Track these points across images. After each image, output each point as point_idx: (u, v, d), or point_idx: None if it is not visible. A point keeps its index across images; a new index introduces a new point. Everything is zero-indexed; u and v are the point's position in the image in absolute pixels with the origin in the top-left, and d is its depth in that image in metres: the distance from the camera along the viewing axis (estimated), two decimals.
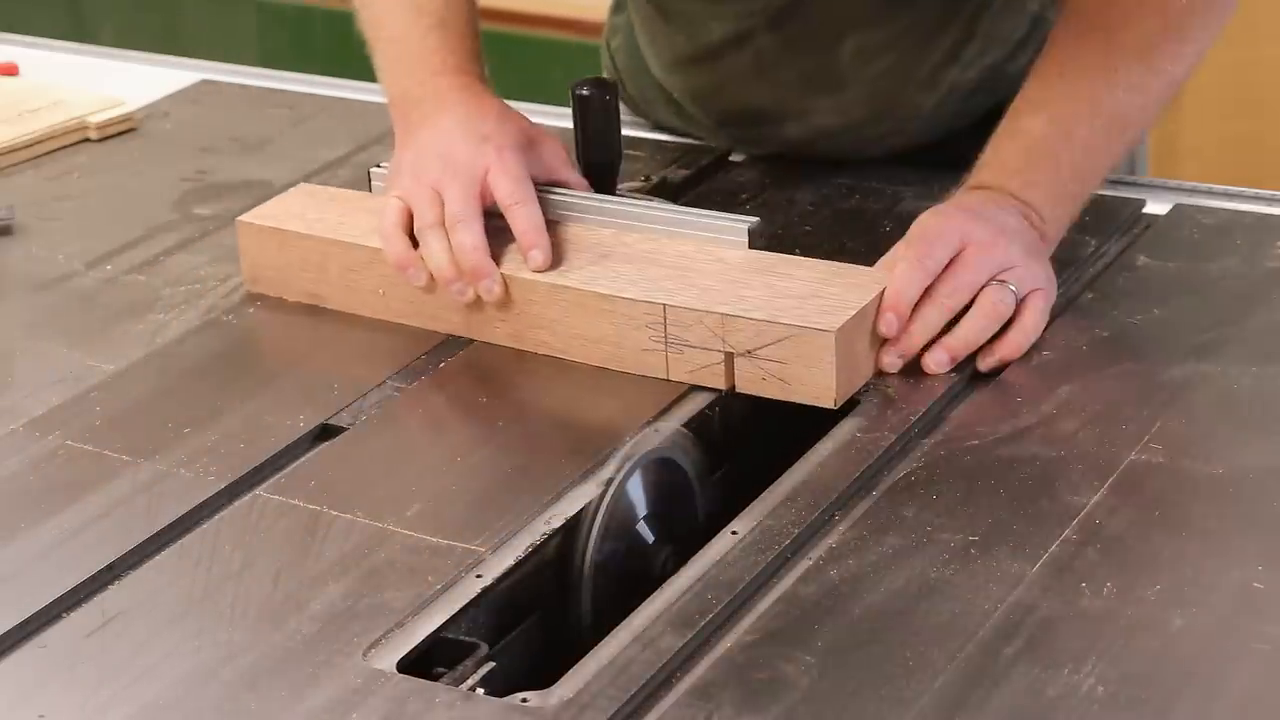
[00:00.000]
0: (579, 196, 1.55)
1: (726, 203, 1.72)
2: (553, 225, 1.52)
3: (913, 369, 1.44)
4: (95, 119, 1.97)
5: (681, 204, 1.63)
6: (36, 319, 1.63)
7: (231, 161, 1.90)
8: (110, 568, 1.27)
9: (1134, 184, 1.74)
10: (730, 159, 1.81)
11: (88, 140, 1.97)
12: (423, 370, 1.49)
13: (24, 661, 1.20)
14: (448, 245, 1.49)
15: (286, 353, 1.57)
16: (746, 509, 1.30)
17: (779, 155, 1.78)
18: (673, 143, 1.81)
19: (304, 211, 1.61)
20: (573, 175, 1.58)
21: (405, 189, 1.53)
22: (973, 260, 1.45)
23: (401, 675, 1.16)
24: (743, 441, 1.44)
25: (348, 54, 3.32)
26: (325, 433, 1.42)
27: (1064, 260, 1.58)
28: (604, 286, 1.46)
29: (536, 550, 1.28)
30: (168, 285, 1.66)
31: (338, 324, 1.57)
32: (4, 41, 2.26)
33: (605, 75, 1.94)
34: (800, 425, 1.40)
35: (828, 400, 1.39)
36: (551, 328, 1.48)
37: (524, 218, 1.49)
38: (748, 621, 1.20)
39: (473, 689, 1.16)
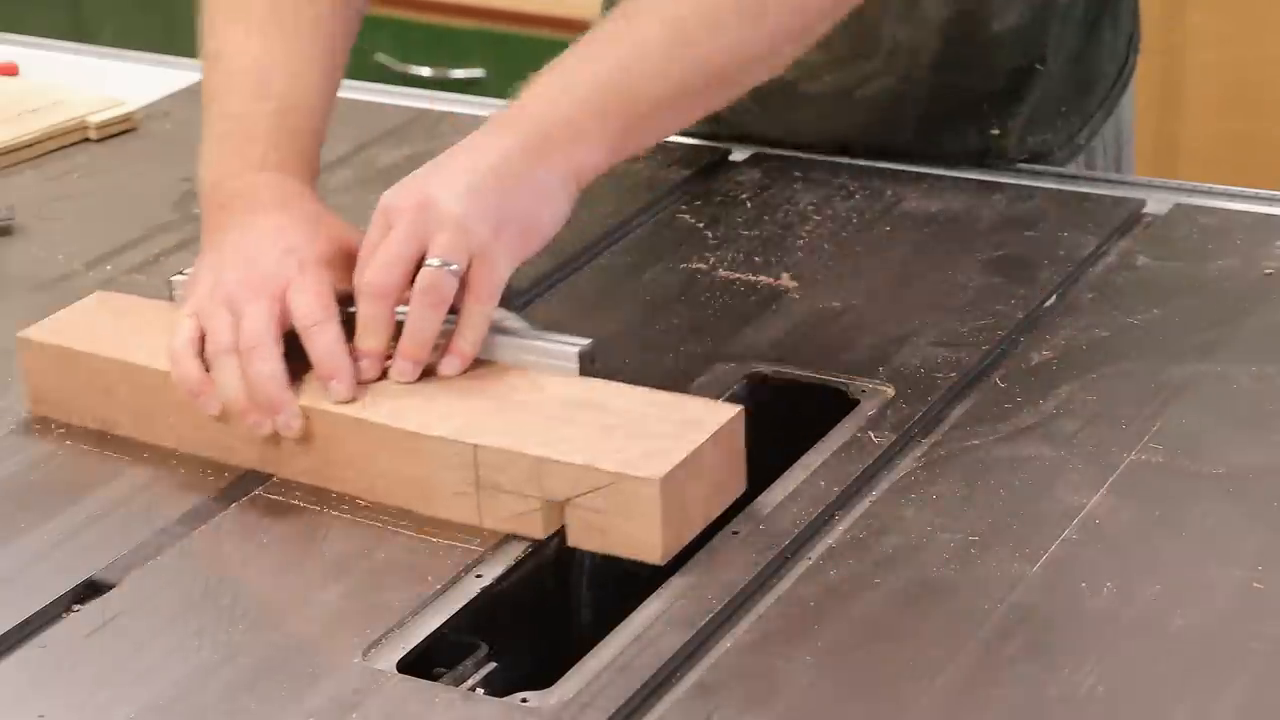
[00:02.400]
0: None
1: (726, 203, 1.72)
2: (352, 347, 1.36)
3: (913, 370, 1.44)
4: (95, 119, 1.97)
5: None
6: (36, 319, 1.62)
7: None
8: (110, 568, 1.27)
9: (1134, 184, 1.74)
10: (730, 159, 1.81)
11: (88, 140, 1.97)
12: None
13: (24, 661, 1.20)
14: (240, 374, 1.33)
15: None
16: (746, 509, 1.30)
17: (778, 149, 1.78)
18: (673, 143, 1.81)
19: (95, 325, 1.46)
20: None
21: (199, 306, 1.37)
22: (391, 239, 1.33)
23: (401, 675, 1.16)
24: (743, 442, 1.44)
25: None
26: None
27: (1064, 260, 1.58)
28: (412, 422, 1.31)
29: (536, 550, 1.27)
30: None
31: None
32: (4, 41, 2.26)
33: None
34: (800, 425, 1.40)
35: (654, 556, 1.24)
36: (356, 465, 1.32)
37: (321, 343, 1.33)
38: (748, 621, 1.20)
39: (473, 689, 1.16)
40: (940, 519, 1.28)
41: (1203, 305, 1.52)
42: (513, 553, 1.27)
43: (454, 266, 1.32)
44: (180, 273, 1.47)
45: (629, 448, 1.25)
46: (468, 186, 1.34)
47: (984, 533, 1.26)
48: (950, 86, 1.74)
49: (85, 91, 2.03)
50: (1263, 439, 1.35)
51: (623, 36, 1.41)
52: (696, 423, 1.28)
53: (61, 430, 1.43)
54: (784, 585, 1.23)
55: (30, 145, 1.94)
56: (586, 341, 1.35)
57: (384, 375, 1.34)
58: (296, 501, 1.33)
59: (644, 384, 1.36)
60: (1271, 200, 1.69)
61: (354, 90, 2.07)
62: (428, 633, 1.20)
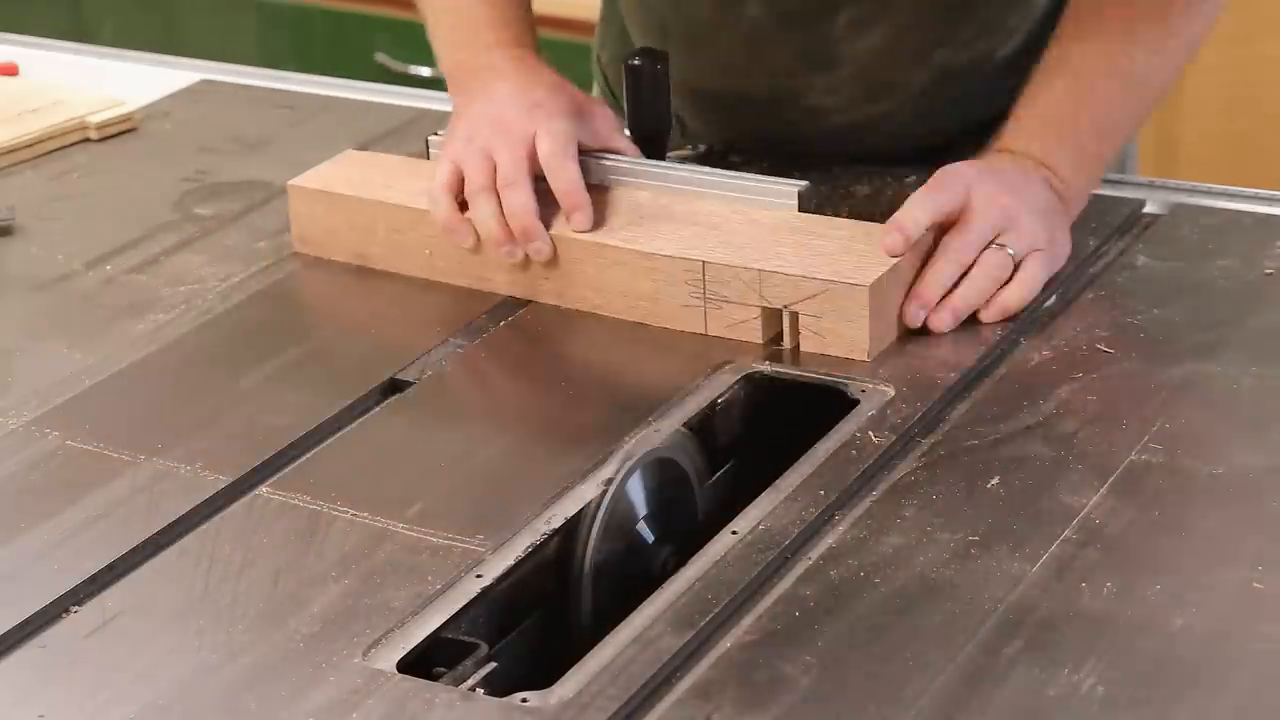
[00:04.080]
0: (628, 161, 1.62)
1: None
2: (596, 189, 1.58)
3: (913, 370, 1.44)
4: (95, 119, 1.97)
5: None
6: (36, 319, 1.63)
7: (231, 161, 1.90)
8: (110, 568, 1.27)
9: (1134, 184, 1.74)
10: (730, 158, 1.80)
11: (88, 140, 1.97)
12: (483, 329, 1.55)
13: (24, 661, 1.20)
14: (498, 208, 1.55)
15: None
16: (746, 509, 1.30)
17: (774, 152, 1.78)
18: (673, 155, 1.80)
19: (352, 175, 1.68)
20: (624, 143, 1.64)
21: (457, 152, 1.59)
22: (977, 211, 1.51)
23: (401, 675, 1.16)
24: (743, 441, 1.44)
25: (348, 54, 3.33)
26: (394, 388, 1.47)
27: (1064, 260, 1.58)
28: (644, 245, 1.52)
29: (536, 550, 1.28)
30: (168, 285, 1.65)
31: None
32: (4, 41, 2.26)
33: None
34: (800, 425, 1.40)
35: (860, 354, 1.44)
36: (593, 285, 1.54)
37: (565, 179, 1.55)
38: (748, 621, 1.20)
39: (473, 689, 1.16)
40: (940, 519, 1.28)
41: (1203, 305, 1.52)
42: (513, 553, 1.27)
43: (1012, 253, 1.51)
44: (436, 133, 1.67)
45: (839, 262, 1.47)
46: (1035, 209, 1.55)
47: (984, 533, 1.26)
48: (956, 113, 1.75)
49: (85, 91, 2.04)
50: (1263, 439, 1.35)
51: (1095, 100, 1.59)
52: None
53: (48, 431, 1.43)
54: (784, 585, 1.23)
55: (30, 145, 1.94)
56: (804, 183, 1.57)
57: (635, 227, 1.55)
58: (297, 501, 1.33)
59: (643, 383, 1.36)
60: (1271, 200, 1.69)
61: (354, 90, 2.07)
62: (428, 633, 1.20)
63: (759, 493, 1.32)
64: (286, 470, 1.37)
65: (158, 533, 1.31)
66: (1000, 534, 1.26)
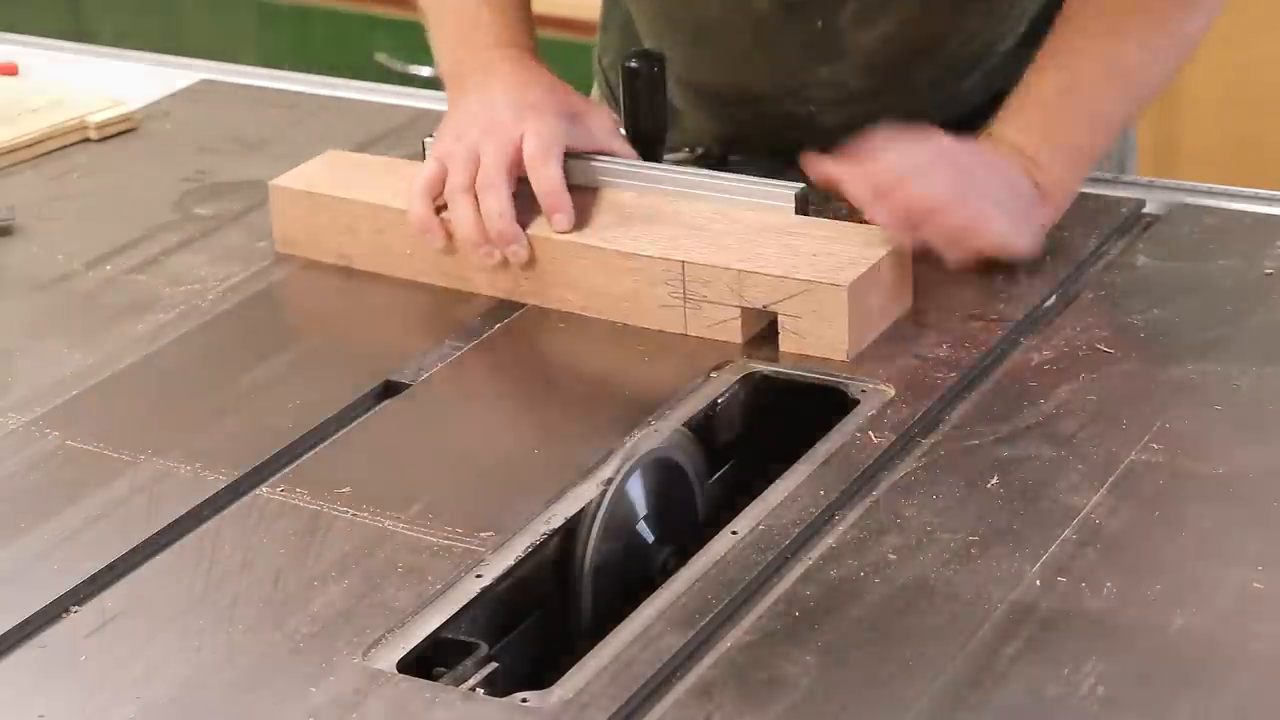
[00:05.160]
0: (621, 164, 1.62)
1: None
2: (584, 190, 1.58)
3: (913, 370, 1.44)
4: (95, 119, 1.97)
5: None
6: (36, 319, 1.63)
7: (231, 161, 1.90)
8: (110, 568, 1.27)
9: (1134, 184, 1.74)
10: (730, 158, 1.80)
11: (88, 140, 1.97)
12: (479, 331, 1.55)
13: (24, 661, 1.20)
14: (475, 210, 1.55)
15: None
16: (746, 509, 1.30)
17: (774, 152, 1.78)
18: (671, 158, 1.80)
19: (334, 175, 1.69)
20: (620, 145, 1.64)
21: (444, 150, 1.59)
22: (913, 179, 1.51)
23: (401, 675, 1.17)
24: (743, 441, 1.44)
25: (348, 54, 3.32)
26: (391, 389, 1.47)
27: (1064, 260, 1.58)
28: (624, 244, 1.52)
29: (536, 550, 1.28)
30: (168, 285, 1.65)
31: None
32: (4, 41, 2.26)
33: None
34: (800, 425, 1.40)
35: (840, 354, 1.45)
36: (574, 285, 1.54)
37: (545, 180, 1.55)
38: (748, 621, 1.20)
39: (473, 689, 1.16)
40: (940, 519, 1.28)
41: (1203, 305, 1.52)
42: (513, 553, 1.27)
43: None
44: (431, 135, 1.66)
45: (819, 262, 1.47)
46: (992, 192, 1.55)
47: (984, 533, 1.26)
48: (958, 106, 1.75)
49: (85, 91, 2.03)
50: (1263, 439, 1.35)
51: (1095, 90, 1.58)
52: (874, 242, 1.49)
53: (48, 431, 1.43)
54: (784, 585, 1.23)
55: (30, 145, 1.94)
56: (801, 185, 1.56)
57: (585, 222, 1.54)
58: (297, 501, 1.33)
59: (643, 381, 1.36)
60: (1271, 200, 1.69)
61: (354, 90, 2.07)
62: (428, 633, 1.20)
63: (759, 493, 1.32)
64: (286, 470, 1.37)
65: (158, 533, 1.31)
66: (1000, 534, 1.26)
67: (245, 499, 1.34)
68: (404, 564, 1.26)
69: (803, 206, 1.56)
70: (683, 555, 1.27)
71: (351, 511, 1.32)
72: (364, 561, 1.27)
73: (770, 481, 1.33)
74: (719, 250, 1.50)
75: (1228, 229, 1.64)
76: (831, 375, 1.44)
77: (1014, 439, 1.36)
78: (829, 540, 1.27)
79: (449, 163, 1.58)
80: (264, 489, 1.35)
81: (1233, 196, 1.70)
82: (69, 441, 1.42)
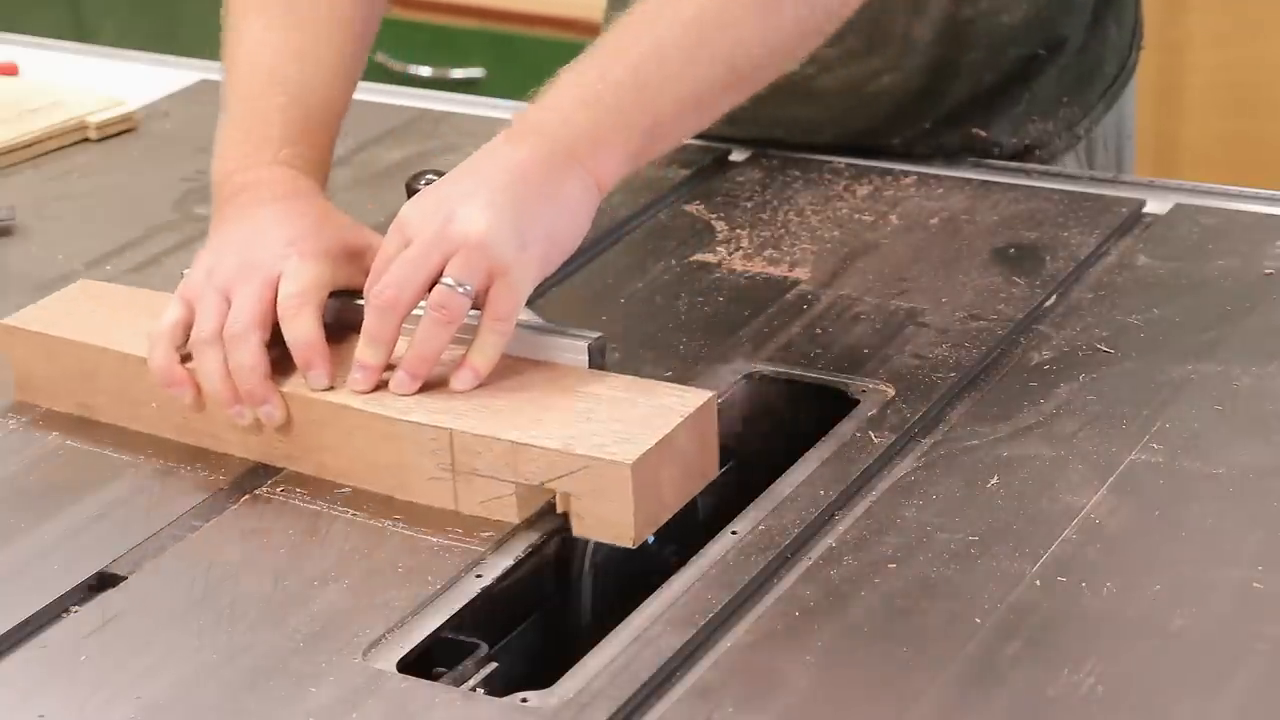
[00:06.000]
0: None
1: (726, 203, 1.72)
2: (345, 337, 1.37)
3: (913, 370, 1.44)
4: (95, 119, 1.97)
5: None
6: None
7: None
8: (110, 568, 1.27)
9: (1134, 184, 1.74)
10: (730, 159, 1.81)
11: (88, 140, 1.97)
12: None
13: (24, 661, 1.20)
14: (223, 362, 1.35)
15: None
16: (746, 509, 1.30)
17: (778, 146, 1.78)
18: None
19: (77, 313, 1.47)
20: None
21: (192, 289, 1.39)
22: (408, 255, 1.32)
23: (401, 675, 1.17)
24: (743, 441, 1.44)
25: None
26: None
27: (1064, 260, 1.58)
28: (390, 408, 1.31)
29: (536, 550, 1.28)
30: (168, 285, 1.65)
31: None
32: (4, 41, 2.26)
33: None
34: (800, 425, 1.40)
35: (626, 539, 1.25)
36: (335, 450, 1.34)
37: (298, 331, 1.34)
38: (748, 621, 1.20)
39: (473, 689, 1.16)
40: (940, 519, 1.28)
41: (1203, 305, 1.52)
42: (513, 553, 1.27)
43: (468, 287, 1.30)
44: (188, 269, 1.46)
45: (603, 433, 1.27)
46: (489, 203, 1.32)
47: (984, 533, 1.26)
48: (959, 79, 1.74)
49: (85, 91, 2.03)
50: (1263, 439, 1.35)
51: (640, 39, 1.39)
52: (669, 408, 1.29)
53: (48, 431, 1.43)
54: (784, 585, 1.23)
55: (30, 145, 1.94)
56: (596, 334, 1.36)
57: (381, 386, 1.34)
58: (296, 501, 1.33)
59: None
60: (1271, 200, 1.69)
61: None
62: (428, 633, 1.20)
63: (759, 493, 1.32)
64: (287, 470, 1.37)
65: (158, 532, 1.31)
66: (1000, 534, 1.26)
67: (245, 499, 1.34)
68: (404, 564, 1.26)
69: (596, 359, 1.36)
70: (683, 555, 1.27)
71: (351, 511, 1.32)
72: (364, 561, 1.27)
73: (770, 481, 1.33)
74: (492, 415, 1.29)
75: (1227, 229, 1.64)
76: (832, 375, 1.44)
77: (1014, 439, 1.36)
78: (829, 540, 1.27)
79: (197, 305, 1.37)
80: (264, 489, 1.35)
81: (1232, 196, 1.70)
82: (69, 441, 1.42)
